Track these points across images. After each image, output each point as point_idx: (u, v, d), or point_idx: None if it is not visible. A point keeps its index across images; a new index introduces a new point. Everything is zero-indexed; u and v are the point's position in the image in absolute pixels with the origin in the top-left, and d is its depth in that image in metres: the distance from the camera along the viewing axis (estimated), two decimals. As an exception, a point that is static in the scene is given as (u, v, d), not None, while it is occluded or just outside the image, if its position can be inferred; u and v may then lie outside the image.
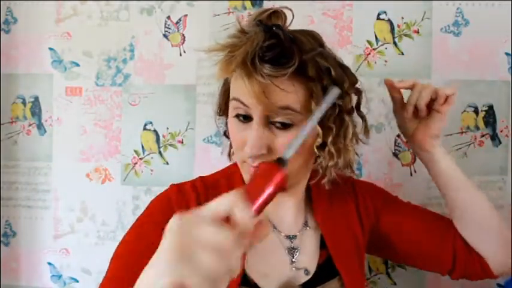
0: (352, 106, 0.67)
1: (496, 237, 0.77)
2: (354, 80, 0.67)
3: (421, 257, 0.80)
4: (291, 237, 0.72)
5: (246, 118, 0.63)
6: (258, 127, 0.62)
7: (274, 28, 0.61)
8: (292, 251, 0.71)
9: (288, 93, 0.59)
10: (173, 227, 0.40)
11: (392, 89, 0.77)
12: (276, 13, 0.64)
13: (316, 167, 0.69)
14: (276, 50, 0.59)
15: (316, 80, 0.60)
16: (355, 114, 0.70)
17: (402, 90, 0.76)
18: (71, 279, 1.10)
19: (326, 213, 0.75)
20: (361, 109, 0.71)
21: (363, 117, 0.71)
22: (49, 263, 1.11)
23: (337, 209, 0.76)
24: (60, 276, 1.11)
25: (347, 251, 0.74)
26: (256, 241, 0.43)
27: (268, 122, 0.62)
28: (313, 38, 0.65)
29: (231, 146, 0.72)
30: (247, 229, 0.41)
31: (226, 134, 0.73)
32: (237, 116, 0.64)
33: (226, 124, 0.72)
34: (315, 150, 0.65)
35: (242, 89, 0.61)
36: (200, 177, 0.75)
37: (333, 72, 0.61)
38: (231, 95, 0.65)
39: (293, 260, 0.71)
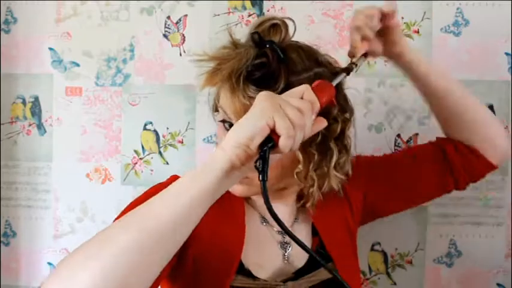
0: (343, 130, 0.66)
1: (484, 121, 0.79)
2: (345, 105, 0.67)
3: (424, 186, 0.82)
4: (283, 233, 0.73)
5: (231, 125, 0.64)
6: None
7: (267, 45, 0.61)
8: (284, 245, 0.72)
9: None
10: (263, 95, 0.50)
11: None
12: (276, 26, 0.64)
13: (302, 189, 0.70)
14: (263, 71, 0.59)
15: None
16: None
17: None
18: (71, 279, 1.10)
19: (317, 206, 0.75)
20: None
21: (346, 146, 0.69)
22: (49, 263, 1.11)
23: (327, 200, 0.76)
24: (60, 276, 1.11)
25: (339, 236, 0.75)
26: (314, 129, 0.53)
27: None
28: (309, 57, 0.64)
29: None
30: (314, 108, 0.51)
31: None
32: (223, 121, 0.65)
33: None
34: (295, 176, 0.65)
35: (225, 102, 0.63)
36: None
37: None
38: (220, 101, 0.66)
39: (285, 254, 0.72)
